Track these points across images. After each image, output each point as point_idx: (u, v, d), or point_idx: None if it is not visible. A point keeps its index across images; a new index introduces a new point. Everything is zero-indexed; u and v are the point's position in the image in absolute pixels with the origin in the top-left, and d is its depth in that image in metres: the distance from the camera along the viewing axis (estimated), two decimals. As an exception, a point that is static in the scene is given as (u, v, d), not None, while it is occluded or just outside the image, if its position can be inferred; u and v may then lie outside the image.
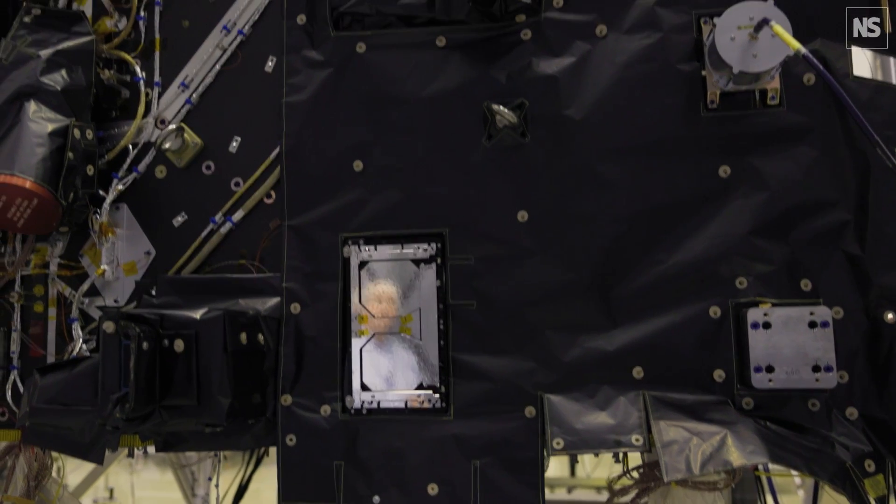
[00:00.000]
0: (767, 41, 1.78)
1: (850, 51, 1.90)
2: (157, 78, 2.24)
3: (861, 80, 1.89)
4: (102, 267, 2.15)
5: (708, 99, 1.93)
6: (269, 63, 2.17)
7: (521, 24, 2.03)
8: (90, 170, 2.12)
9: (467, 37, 2.05)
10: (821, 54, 1.90)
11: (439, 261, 2.00)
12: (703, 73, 1.93)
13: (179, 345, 1.85)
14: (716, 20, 1.85)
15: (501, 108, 1.96)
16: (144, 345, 1.80)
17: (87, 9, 2.30)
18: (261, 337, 1.98)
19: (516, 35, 2.03)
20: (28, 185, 1.97)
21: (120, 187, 2.18)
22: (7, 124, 2.04)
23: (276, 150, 2.12)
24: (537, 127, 2.00)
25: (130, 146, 2.22)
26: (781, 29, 1.71)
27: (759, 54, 1.80)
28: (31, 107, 2.06)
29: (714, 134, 1.93)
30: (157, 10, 2.26)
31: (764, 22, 1.75)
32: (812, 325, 1.78)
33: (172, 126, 2.14)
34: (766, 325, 1.80)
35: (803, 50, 1.66)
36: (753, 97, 1.92)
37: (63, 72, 2.13)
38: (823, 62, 1.87)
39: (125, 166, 2.20)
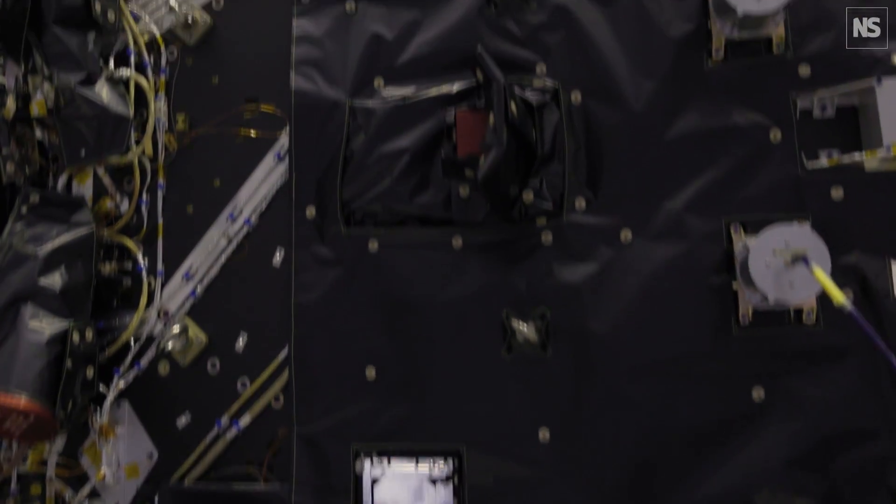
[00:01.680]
0: (804, 269, 1.68)
1: (891, 267, 1.80)
2: (159, 266, 2.14)
3: (902, 302, 1.78)
4: (103, 471, 2.05)
5: (740, 314, 1.82)
6: (278, 256, 2.08)
7: (541, 226, 1.93)
8: (90, 371, 2.02)
9: (485, 239, 1.95)
10: (859, 270, 1.79)
11: (456, 480, 1.90)
12: (734, 286, 1.83)
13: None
14: (749, 241, 1.75)
15: (521, 325, 1.86)
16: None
17: (88, 188, 2.22)
18: (269, 564, 1.88)
19: (537, 238, 1.93)
20: (23, 403, 1.87)
21: (121, 384, 2.09)
22: (3, 333, 1.95)
23: (285, 351, 2.03)
24: (559, 340, 1.89)
25: (132, 339, 2.12)
26: (823, 275, 1.59)
27: (795, 283, 1.69)
28: (29, 311, 1.97)
29: (746, 353, 1.82)
30: (159, 193, 2.17)
31: (803, 261, 1.64)
32: (856, 574, 1.67)
33: (176, 328, 2.04)
34: (807, 573, 1.69)
35: (848, 306, 1.54)
36: (788, 314, 1.82)
37: (62, 269, 2.04)
38: (862, 279, 1.78)
39: (127, 361, 2.11)
